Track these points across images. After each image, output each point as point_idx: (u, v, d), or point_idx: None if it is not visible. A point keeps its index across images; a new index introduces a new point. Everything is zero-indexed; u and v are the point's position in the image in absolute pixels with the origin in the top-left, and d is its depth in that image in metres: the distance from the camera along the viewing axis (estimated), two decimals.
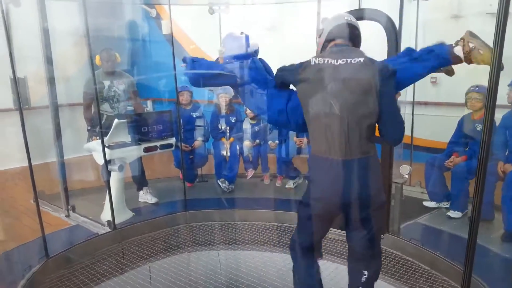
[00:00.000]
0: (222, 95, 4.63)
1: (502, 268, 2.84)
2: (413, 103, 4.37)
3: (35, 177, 2.93)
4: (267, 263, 3.04)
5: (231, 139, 4.66)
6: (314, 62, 1.86)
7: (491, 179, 3.27)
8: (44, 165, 4.04)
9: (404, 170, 2.96)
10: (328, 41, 1.97)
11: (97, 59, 3.98)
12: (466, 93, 3.67)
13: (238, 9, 5.07)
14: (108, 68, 4.00)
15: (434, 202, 3.88)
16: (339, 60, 1.80)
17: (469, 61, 1.94)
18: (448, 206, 3.76)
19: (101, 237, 3.37)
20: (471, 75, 4.43)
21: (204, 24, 5.52)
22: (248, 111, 4.62)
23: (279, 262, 3.03)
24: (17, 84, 3.04)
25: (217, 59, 2.42)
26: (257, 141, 4.71)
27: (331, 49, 1.93)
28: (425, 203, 3.92)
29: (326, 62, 1.83)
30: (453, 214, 3.62)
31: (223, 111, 4.72)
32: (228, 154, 4.56)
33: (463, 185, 3.56)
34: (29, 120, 3.26)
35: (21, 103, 3.32)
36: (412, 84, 3.99)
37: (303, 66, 1.89)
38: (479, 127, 3.64)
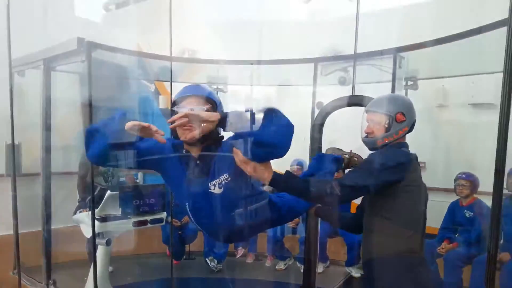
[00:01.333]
0: None
1: None
2: None
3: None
4: None
5: None
6: (415, 157, 1.86)
7: None
8: (27, 234, 3.93)
9: None
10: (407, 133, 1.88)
11: None
12: (455, 180, 3.76)
13: (237, 88, 5.30)
14: None
15: None
16: None
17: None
18: None
19: None
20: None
21: None
22: None
23: None
24: (15, 151, 3.06)
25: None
26: None
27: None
28: None
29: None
30: None
31: None
32: None
33: (456, 272, 3.51)
34: (18, 187, 3.23)
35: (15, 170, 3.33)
36: None
37: (413, 162, 1.81)
38: (468, 214, 3.68)
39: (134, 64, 4.65)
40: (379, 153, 1.82)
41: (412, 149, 1.91)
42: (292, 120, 1.58)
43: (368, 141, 1.87)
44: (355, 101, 3.15)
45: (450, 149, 4.98)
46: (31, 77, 3.93)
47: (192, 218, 1.85)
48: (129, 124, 1.54)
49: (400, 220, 1.74)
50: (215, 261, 4.34)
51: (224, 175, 1.71)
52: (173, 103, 1.74)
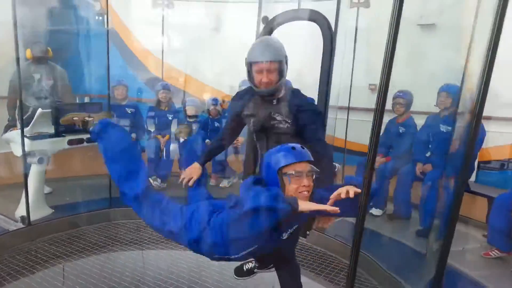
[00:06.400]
0: (162, 91, 4.56)
1: (415, 260, 2.95)
2: (348, 108, 4.43)
3: None
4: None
5: (167, 136, 4.54)
6: None
7: (407, 178, 3.43)
8: None
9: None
10: None
11: (28, 52, 3.79)
12: (393, 98, 3.79)
13: (182, 4, 4.99)
14: (38, 62, 3.86)
15: None
16: None
17: None
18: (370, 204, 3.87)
19: (12, 233, 3.13)
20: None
21: (146, 18, 5.38)
22: (188, 108, 4.54)
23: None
24: None
25: None
26: None
27: None
28: None
29: None
30: (375, 211, 3.74)
31: (162, 108, 4.62)
32: (164, 152, 4.45)
33: (383, 184, 3.68)
34: None
35: None
36: (348, 90, 4.14)
37: None
38: (401, 130, 3.78)
39: None
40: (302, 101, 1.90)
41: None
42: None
43: (269, 90, 1.83)
44: (296, 15, 3.00)
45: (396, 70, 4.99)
46: None
47: None
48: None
49: None
50: (159, 180, 4.34)
51: None
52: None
